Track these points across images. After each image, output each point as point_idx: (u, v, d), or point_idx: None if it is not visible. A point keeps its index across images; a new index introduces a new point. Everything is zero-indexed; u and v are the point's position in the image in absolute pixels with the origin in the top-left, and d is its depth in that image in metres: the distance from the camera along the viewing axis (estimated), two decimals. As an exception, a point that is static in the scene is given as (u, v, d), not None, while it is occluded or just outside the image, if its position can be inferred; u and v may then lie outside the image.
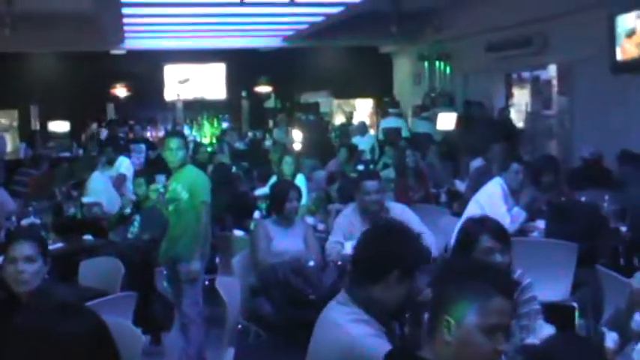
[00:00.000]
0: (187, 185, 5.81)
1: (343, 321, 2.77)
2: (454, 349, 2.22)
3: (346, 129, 14.50)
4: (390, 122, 14.61)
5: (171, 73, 17.68)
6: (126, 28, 12.89)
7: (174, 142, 5.82)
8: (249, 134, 15.63)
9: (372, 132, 15.06)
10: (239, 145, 13.53)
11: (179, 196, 5.83)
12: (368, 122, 16.15)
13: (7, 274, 3.41)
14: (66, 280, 5.68)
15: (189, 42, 15.27)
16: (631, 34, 9.00)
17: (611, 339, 2.94)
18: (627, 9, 9.07)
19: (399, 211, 5.68)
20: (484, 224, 3.55)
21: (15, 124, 17.11)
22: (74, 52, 15.80)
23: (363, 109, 18.36)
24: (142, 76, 17.00)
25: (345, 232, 5.55)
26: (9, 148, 14.62)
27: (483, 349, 2.21)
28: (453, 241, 3.59)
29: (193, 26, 13.39)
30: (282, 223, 5.76)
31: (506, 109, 13.41)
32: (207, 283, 6.43)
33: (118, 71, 17.00)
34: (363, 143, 13.08)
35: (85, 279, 5.53)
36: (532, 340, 3.12)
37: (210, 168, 9.06)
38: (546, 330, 3.08)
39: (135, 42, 14.97)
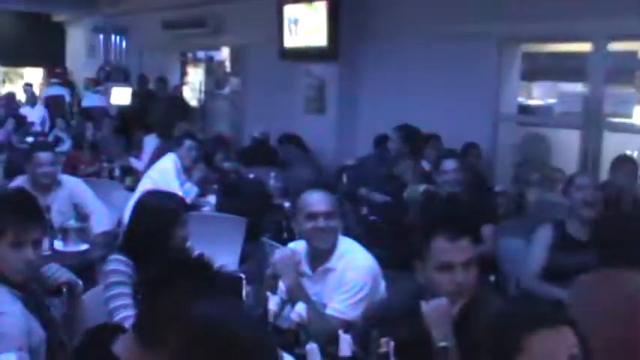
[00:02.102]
0: None
1: None
2: None
3: (13, 98, 13.75)
4: (53, 90, 14.23)
5: None
6: None
7: None
8: None
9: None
10: None
11: None
12: (37, 92, 15.46)
13: None
14: None
15: None
16: (297, 23, 9.64)
17: (274, 302, 3.23)
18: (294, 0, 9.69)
19: (72, 185, 5.59)
20: (181, 199, 3.77)
21: None
22: None
23: (33, 78, 17.48)
24: None
25: None
26: None
27: None
28: (126, 215, 3.64)
29: None
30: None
31: (180, 87, 13.64)
32: None
33: None
34: (32, 114, 12.53)
35: None
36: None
37: None
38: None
39: None
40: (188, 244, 3.61)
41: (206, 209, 6.76)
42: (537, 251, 4.60)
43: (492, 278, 5.04)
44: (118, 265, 3.43)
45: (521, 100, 8.86)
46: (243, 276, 4.29)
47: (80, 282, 3.08)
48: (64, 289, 2.97)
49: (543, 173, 7.63)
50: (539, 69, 9.18)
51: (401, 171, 6.78)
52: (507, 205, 6.84)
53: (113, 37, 15.34)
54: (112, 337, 2.32)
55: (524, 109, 8.94)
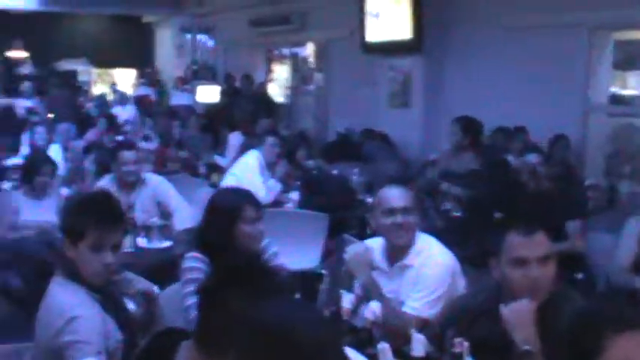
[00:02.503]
0: None
1: None
2: None
3: (105, 99, 14.14)
4: (141, 90, 14.72)
5: None
6: None
7: None
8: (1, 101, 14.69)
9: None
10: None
11: None
12: (129, 93, 15.86)
13: None
14: None
15: None
16: (378, 17, 9.55)
17: (347, 300, 3.18)
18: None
19: (156, 183, 5.67)
20: (246, 195, 3.62)
21: None
22: None
23: (124, 79, 17.95)
24: None
25: None
26: None
27: None
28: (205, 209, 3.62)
29: None
30: (32, 195, 5.52)
31: (266, 84, 13.74)
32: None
33: None
34: (123, 114, 12.84)
35: None
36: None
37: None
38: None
39: None
40: (264, 241, 3.59)
41: (289, 206, 6.76)
42: (628, 244, 4.40)
43: (580, 276, 4.85)
44: (194, 262, 3.44)
45: (613, 89, 8.55)
46: (325, 272, 4.28)
47: (156, 290, 3.08)
48: (140, 295, 2.97)
49: (636, 165, 7.33)
50: (633, 57, 8.83)
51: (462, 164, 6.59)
52: (598, 199, 6.58)
53: (200, 36, 15.58)
54: (176, 343, 2.30)
55: (616, 99, 8.62)
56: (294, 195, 6.90)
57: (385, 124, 9.40)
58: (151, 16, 17.26)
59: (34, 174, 5.48)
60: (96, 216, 2.77)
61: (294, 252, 5.95)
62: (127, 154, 5.55)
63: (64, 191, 6.33)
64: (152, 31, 18.18)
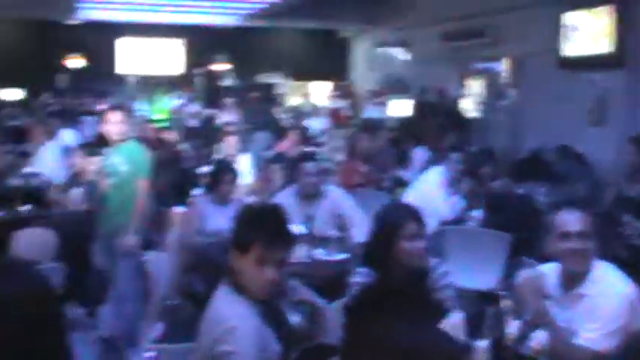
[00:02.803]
0: (127, 159, 5.81)
1: None
2: None
3: (300, 111, 14.55)
4: (335, 103, 15.04)
5: (125, 46, 17.49)
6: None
7: (114, 116, 5.82)
8: (204, 112, 15.53)
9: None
10: (193, 123, 13.47)
11: (118, 170, 5.83)
12: (323, 105, 16.23)
13: None
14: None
15: (145, 15, 15.12)
16: (576, 31, 9.16)
17: (514, 326, 3.04)
18: (574, 7, 9.22)
19: (336, 195, 5.74)
20: (409, 211, 3.57)
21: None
22: (30, 19, 15.55)
23: (318, 91, 18.39)
24: (95, 48, 16.83)
25: None
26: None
27: None
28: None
29: (150, -1, 13.32)
30: (217, 202, 5.78)
31: (459, 99, 13.56)
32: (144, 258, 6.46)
33: (72, 42, 16.78)
34: (315, 125, 13.16)
35: (18, 249, 5.52)
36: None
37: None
38: (456, 316, 3.14)
39: (89, 13, 14.78)
40: (432, 260, 3.52)
41: (471, 224, 6.61)
42: None
43: None
44: (361, 277, 3.43)
45: None
46: (502, 294, 4.13)
47: (321, 304, 3.05)
48: (305, 306, 2.98)
49: None
50: None
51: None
52: None
53: (394, 50, 15.65)
54: (324, 359, 2.28)
55: None
56: (478, 213, 6.74)
57: (581, 143, 8.98)
58: (347, 31, 17.58)
59: (218, 182, 5.74)
60: (263, 231, 2.79)
61: (473, 270, 5.83)
62: (309, 166, 5.66)
63: (249, 199, 6.57)
64: (347, 45, 18.51)
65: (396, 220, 3.42)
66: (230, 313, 2.71)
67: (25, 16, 15.00)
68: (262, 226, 2.83)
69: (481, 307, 3.84)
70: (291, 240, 2.92)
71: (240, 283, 2.80)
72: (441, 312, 2.66)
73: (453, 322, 2.80)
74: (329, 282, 4.33)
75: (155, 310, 4.79)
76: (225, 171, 5.89)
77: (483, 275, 5.72)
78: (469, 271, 5.70)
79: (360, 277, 3.45)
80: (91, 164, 6.69)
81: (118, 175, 5.83)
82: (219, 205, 5.77)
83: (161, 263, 4.94)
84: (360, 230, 5.48)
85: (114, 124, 5.80)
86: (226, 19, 15.57)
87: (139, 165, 5.82)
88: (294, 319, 2.95)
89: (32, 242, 5.48)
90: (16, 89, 16.45)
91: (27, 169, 8.25)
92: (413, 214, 3.48)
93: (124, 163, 5.80)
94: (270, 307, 2.83)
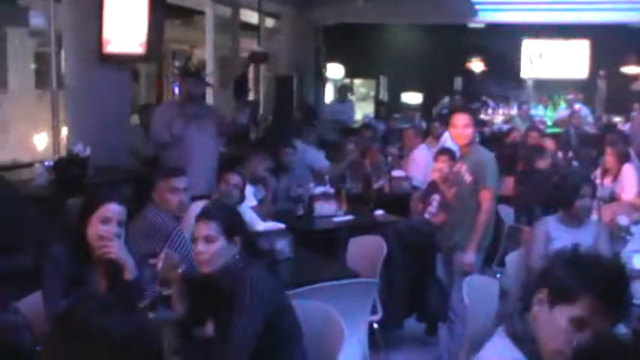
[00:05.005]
0: (471, 167, 5.24)
1: None
2: None
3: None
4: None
5: (529, 48, 16.77)
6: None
7: (460, 119, 5.28)
8: (604, 118, 14.17)
9: None
10: (589, 130, 12.32)
11: (462, 179, 5.30)
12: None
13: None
14: (331, 257, 5.53)
15: (550, 15, 14.28)
16: None
17: None
18: None
19: None
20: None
21: (372, 93, 17.50)
22: (427, 25, 15.68)
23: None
24: (498, 50, 16.33)
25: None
26: (358, 116, 14.74)
27: None
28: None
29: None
30: (567, 222, 4.87)
31: None
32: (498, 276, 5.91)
33: (474, 45, 16.57)
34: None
35: (351, 256, 5.33)
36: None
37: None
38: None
39: (491, 15, 14.42)
40: None
41: None
42: None
43: None
44: None
45: None
46: None
47: None
48: None
49: None
50: None
51: None
52: None
53: None
54: None
55: None
56: None
57: None
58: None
59: (571, 198, 4.83)
60: (592, 284, 2.07)
61: None
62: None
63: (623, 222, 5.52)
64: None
65: None
66: None
67: (426, 21, 15.14)
68: (592, 276, 2.08)
69: None
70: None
71: (529, 334, 2.15)
72: None
73: None
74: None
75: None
76: (579, 185, 4.89)
77: None
78: None
79: None
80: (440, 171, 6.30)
81: (461, 183, 5.30)
82: (569, 226, 4.85)
83: (482, 287, 4.32)
84: None
85: (460, 128, 5.27)
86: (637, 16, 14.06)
87: (483, 173, 5.20)
88: None
89: (363, 250, 5.23)
90: (415, 93, 16.77)
91: (395, 172, 8.15)
92: None
93: (467, 170, 5.25)
94: None
